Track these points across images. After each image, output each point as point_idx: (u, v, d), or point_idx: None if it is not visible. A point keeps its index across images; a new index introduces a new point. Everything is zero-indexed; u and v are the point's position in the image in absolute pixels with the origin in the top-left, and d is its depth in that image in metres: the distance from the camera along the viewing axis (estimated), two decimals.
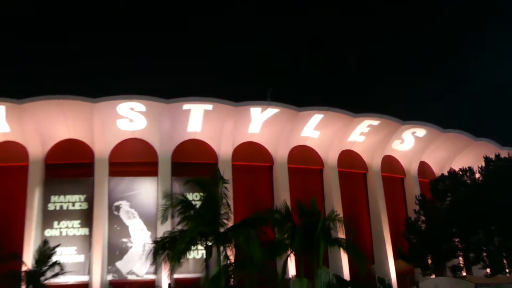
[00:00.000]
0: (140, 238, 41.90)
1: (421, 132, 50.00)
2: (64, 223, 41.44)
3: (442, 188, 41.62)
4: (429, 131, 49.98)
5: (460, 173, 41.53)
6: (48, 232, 40.80)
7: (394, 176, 51.99)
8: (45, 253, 34.52)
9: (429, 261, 40.97)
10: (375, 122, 47.13)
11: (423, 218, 41.76)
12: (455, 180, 41.35)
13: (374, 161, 49.84)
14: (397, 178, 52.47)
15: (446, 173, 43.61)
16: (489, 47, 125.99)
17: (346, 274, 42.41)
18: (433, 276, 41.73)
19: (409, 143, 50.94)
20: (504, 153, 44.41)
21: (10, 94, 40.50)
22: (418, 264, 41.85)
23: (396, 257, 44.81)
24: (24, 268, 34.03)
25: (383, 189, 49.27)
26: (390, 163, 51.54)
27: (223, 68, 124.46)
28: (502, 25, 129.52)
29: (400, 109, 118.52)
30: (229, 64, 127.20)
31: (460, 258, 41.76)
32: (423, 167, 53.71)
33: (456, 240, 39.87)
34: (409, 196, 50.10)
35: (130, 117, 41.49)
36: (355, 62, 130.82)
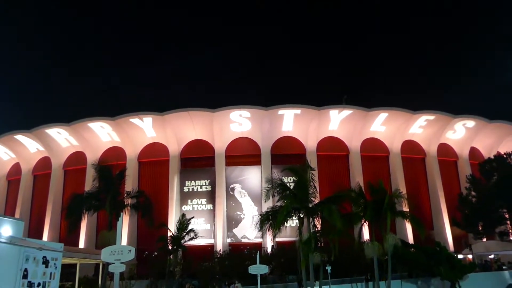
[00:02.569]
0: (249, 211, 46.35)
1: (470, 123, 51.43)
2: (195, 201, 47.03)
3: (489, 168, 44.21)
4: (477, 122, 51.32)
5: (505, 156, 44.21)
6: (185, 208, 46.27)
7: (448, 159, 53.13)
8: (183, 223, 37.72)
9: (480, 228, 43.33)
10: (431, 117, 49.33)
11: (473, 193, 44.05)
12: (500, 162, 43.84)
13: (431, 148, 51.61)
14: (451, 161, 53.65)
15: (492, 157, 46.15)
16: None
17: (410, 238, 44.49)
18: (484, 240, 44.06)
19: (461, 133, 52.29)
20: None
21: (155, 108, 47.89)
22: (470, 230, 44.35)
23: (451, 224, 47.08)
24: (169, 234, 37.90)
25: (440, 170, 50.80)
26: (445, 149, 52.65)
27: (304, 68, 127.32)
28: None
29: (451, 102, 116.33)
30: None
31: (508, 226, 43.33)
32: (474, 152, 54.43)
33: (502, 210, 42.17)
34: (462, 176, 51.10)
35: (239, 122, 46.91)
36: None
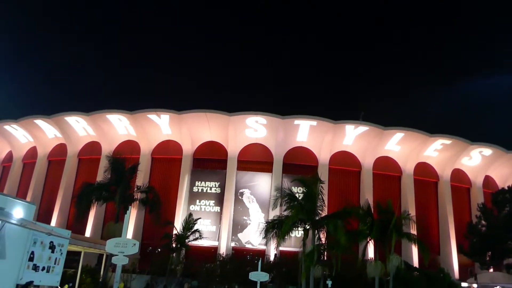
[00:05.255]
0: (256, 218, 46.57)
1: (487, 151, 50.76)
2: (203, 202, 47.40)
3: (502, 199, 43.32)
4: (495, 151, 50.58)
5: None
6: (192, 207, 46.72)
7: (461, 186, 52.53)
8: (189, 222, 38.71)
9: (487, 258, 42.73)
10: (447, 141, 48.86)
11: (483, 222, 43.35)
12: None
13: (444, 173, 51.06)
14: (464, 188, 52.98)
15: (506, 187, 44.76)
16: None
17: (415, 261, 44.23)
18: (491, 270, 43.21)
19: (476, 160, 51.66)
20: None
21: (172, 106, 48.46)
22: (477, 259, 43.72)
23: (458, 252, 46.42)
24: (174, 232, 38.88)
25: (451, 196, 50.24)
26: (458, 175, 52.11)
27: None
28: None
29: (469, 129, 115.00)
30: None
31: None
32: (488, 180, 53.74)
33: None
34: (473, 204, 50.15)
35: (255, 128, 47.20)
36: None
